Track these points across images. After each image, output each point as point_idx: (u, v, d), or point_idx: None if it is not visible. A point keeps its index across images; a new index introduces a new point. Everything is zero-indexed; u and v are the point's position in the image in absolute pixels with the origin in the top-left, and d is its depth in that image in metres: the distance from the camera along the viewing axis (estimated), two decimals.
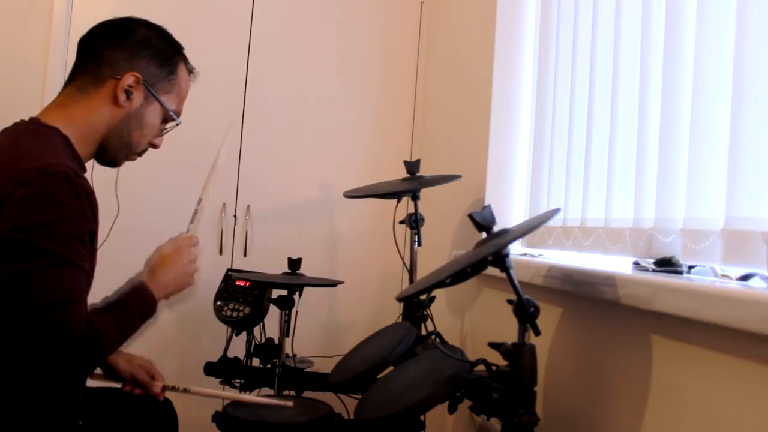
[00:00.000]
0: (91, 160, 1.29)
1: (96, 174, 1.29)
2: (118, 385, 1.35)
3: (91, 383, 1.29)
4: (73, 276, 1.03)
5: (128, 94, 1.22)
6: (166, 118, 1.31)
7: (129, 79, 1.21)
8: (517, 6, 1.86)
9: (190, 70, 1.35)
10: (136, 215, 2.19)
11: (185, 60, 1.33)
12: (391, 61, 2.52)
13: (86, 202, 1.06)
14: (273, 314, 1.87)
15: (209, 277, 2.16)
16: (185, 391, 1.39)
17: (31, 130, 1.15)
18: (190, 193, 2.27)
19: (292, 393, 1.82)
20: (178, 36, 1.34)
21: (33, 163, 1.03)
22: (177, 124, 1.33)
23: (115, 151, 1.26)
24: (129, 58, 1.22)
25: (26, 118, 1.19)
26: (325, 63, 2.45)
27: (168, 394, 1.44)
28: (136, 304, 1.15)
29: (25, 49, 2.17)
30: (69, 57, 2.16)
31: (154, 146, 1.33)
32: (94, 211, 1.09)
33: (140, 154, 1.33)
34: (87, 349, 1.03)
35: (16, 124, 1.19)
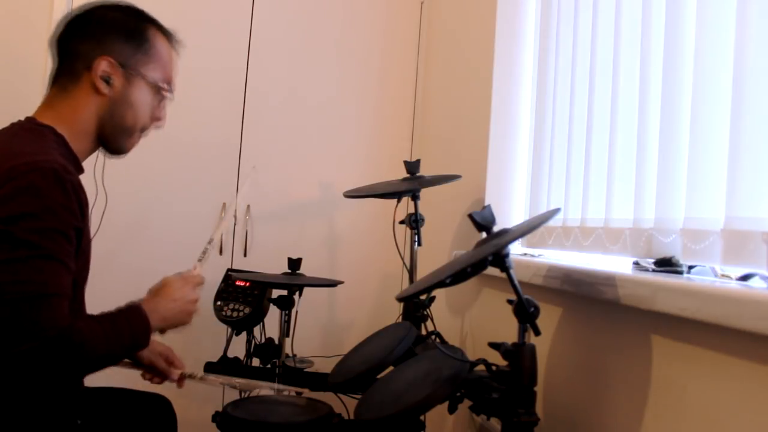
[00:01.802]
0: (94, 156, 1.28)
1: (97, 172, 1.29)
2: (123, 385, 1.35)
3: (108, 370, 1.26)
4: (56, 270, 1.01)
5: (108, 80, 1.19)
6: (160, 91, 1.26)
7: (102, 65, 1.18)
8: (517, 6, 1.86)
9: (167, 34, 1.29)
10: (133, 213, 2.20)
11: (159, 27, 1.28)
12: (391, 61, 2.52)
13: (74, 198, 1.05)
14: (273, 314, 1.87)
15: (209, 277, 2.16)
16: (202, 379, 1.38)
17: (26, 128, 1.16)
18: (188, 191, 2.29)
19: (293, 393, 1.82)
20: (178, 36, 1.32)
21: (22, 159, 1.03)
22: (170, 92, 1.28)
23: (114, 138, 1.24)
24: (96, 44, 1.19)
25: (22, 118, 1.20)
26: (325, 63, 2.45)
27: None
28: (127, 323, 1.11)
29: (25, 49, 2.17)
30: None
31: (158, 121, 1.29)
32: (83, 208, 1.08)
33: (144, 132, 1.29)
34: (65, 347, 0.99)
35: (12, 124, 1.19)
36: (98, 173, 1.40)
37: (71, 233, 1.05)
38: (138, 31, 1.23)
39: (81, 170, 1.22)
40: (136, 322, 1.12)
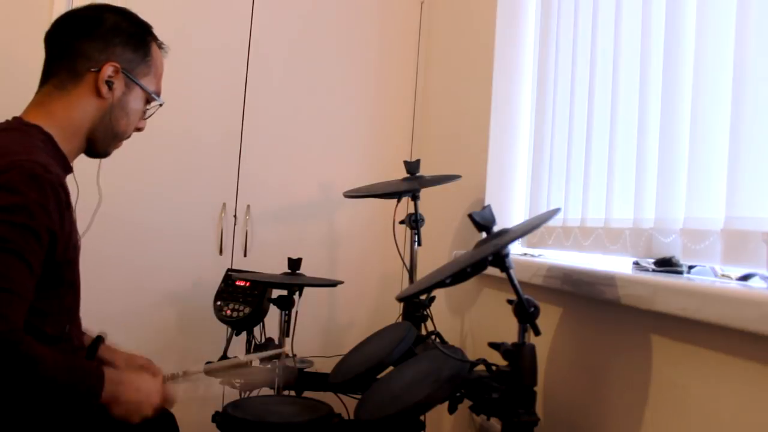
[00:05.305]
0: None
1: (102, 173, 1.28)
2: None
3: None
4: (17, 267, 0.98)
5: (109, 84, 1.21)
6: (148, 100, 1.30)
7: (108, 70, 1.20)
8: (517, 6, 1.86)
9: (161, 46, 1.32)
10: (133, 213, 2.20)
11: (155, 38, 1.31)
12: (391, 61, 2.52)
13: (51, 198, 1.03)
14: (273, 314, 1.87)
15: (209, 277, 2.16)
16: (185, 374, 1.35)
17: (12, 128, 1.16)
18: (188, 191, 2.29)
19: (292, 393, 1.82)
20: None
21: (4, 159, 1.03)
22: (160, 105, 1.32)
23: (103, 142, 1.26)
24: (103, 48, 1.20)
25: (9, 118, 1.20)
26: (325, 63, 2.44)
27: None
28: (84, 368, 1.06)
29: (25, 49, 2.17)
30: None
31: (139, 129, 1.32)
32: (61, 209, 1.06)
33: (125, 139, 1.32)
34: (10, 352, 0.93)
35: None
36: (93, 173, 1.39)
37: (43, 233, 1.02)
38: (143, 43, 1.26)
39: (69, 169, 1.22)
40: (92, 374, 1.06)
